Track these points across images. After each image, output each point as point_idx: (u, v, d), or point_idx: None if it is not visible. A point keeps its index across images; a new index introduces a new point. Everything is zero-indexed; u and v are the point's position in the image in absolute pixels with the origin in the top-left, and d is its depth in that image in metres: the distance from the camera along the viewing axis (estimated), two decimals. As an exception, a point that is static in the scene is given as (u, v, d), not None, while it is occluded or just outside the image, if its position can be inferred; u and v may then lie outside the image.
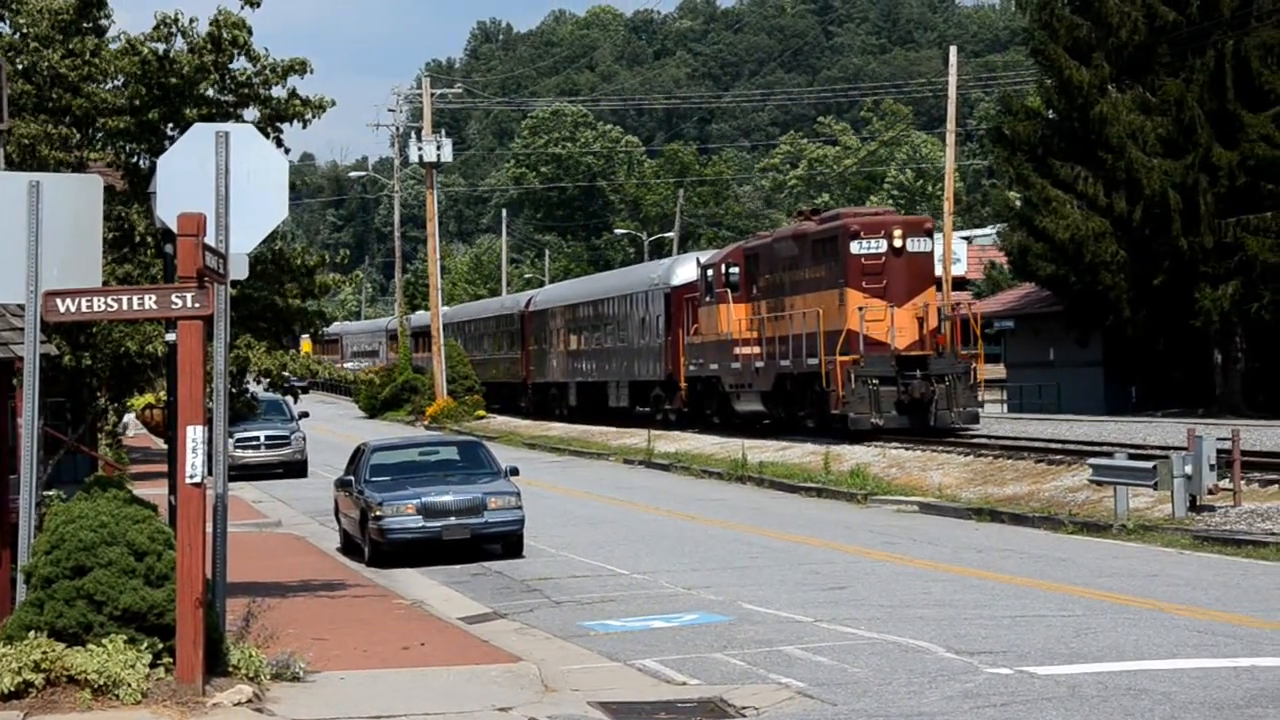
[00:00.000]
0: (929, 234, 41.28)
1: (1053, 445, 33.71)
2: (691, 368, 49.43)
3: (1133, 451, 28.41)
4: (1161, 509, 25.18)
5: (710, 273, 48.09)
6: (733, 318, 45.79)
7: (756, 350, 44.35)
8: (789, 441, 42.29)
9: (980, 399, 41.34)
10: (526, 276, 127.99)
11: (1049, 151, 48.31)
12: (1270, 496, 24.75)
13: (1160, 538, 23.52)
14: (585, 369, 62.04)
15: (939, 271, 46.26)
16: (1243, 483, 24.81)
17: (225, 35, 18.00)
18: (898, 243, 39.61)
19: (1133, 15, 45.75)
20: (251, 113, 18.51)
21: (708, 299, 48.06)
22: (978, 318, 41.55)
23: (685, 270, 52.42)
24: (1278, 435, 32.83)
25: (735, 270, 46.41)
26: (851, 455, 36.94)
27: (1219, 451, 24.69)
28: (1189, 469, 24.51)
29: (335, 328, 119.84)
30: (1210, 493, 24.59)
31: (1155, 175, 44.13)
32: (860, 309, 38.93)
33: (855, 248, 39.71)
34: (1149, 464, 25.24)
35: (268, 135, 17.67)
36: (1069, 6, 48.54)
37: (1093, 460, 27.59)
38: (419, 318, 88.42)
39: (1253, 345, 45.95)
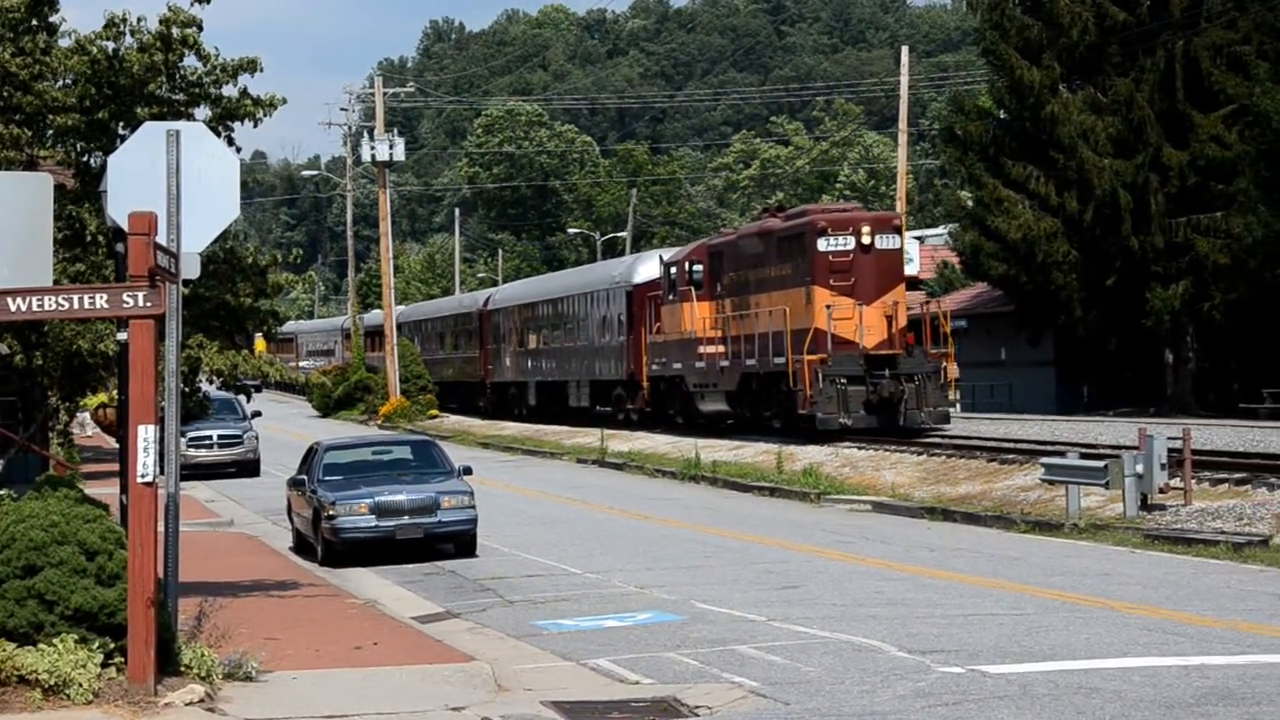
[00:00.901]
0: (898, 231, 40.57)
1: (1005, 445, 33.83)
2: (654, 367, 48.83)
3: (1084, 451, 28.56)
4: (1113, 508, 25.31)
5: (673, 270, 47.44)
6: (696, 316, 45.18)
7: (721, 349, 43.77)
8: (742, 441, 42.33)
9: (953, 398, 40.89)
10: (480, 276, 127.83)
11: (1001, 151, 48.51)
12: (1221, 495, 24.92)
13: (1112, 536, 23.65)
14: (545, 368, 61.44)
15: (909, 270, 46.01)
16: (1193, 482, 24.96)
17: (175, 34, 17.90)
18: (866, 240, 38.98)
19: (1083, 15, 45.99)
20: (203, 111, 18.42)
21: (671, 297, 47.45)
22: (947, 316, 40.80)
23: (647, 268, 51.80)
24: (1228, 434, 33.11)
25: (699, 268, 45.78)
26: (804, 455, 36.98)
27: (1170, 451, 24.85)
28: (1140, 468, 24.64)
29: (290, 326, 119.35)
30: (1161, 492, 24.74)
31: (1106, 175, 44.38)
32: (828, 307, 38.24)
33: (823, 245, 39.05)
34: (1100, 463, 25.38)
35: (219, 134, 17.59)
36: (1020, 7, 48.74)
37: (1045, 460, 27.72)
38: (373, 317, 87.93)
39: (1203, 345, 46.29)
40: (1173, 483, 24.85)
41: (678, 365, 46.75)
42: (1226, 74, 42.58)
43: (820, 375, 37.65)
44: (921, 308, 41.54)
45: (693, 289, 45.60)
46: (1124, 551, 22.38)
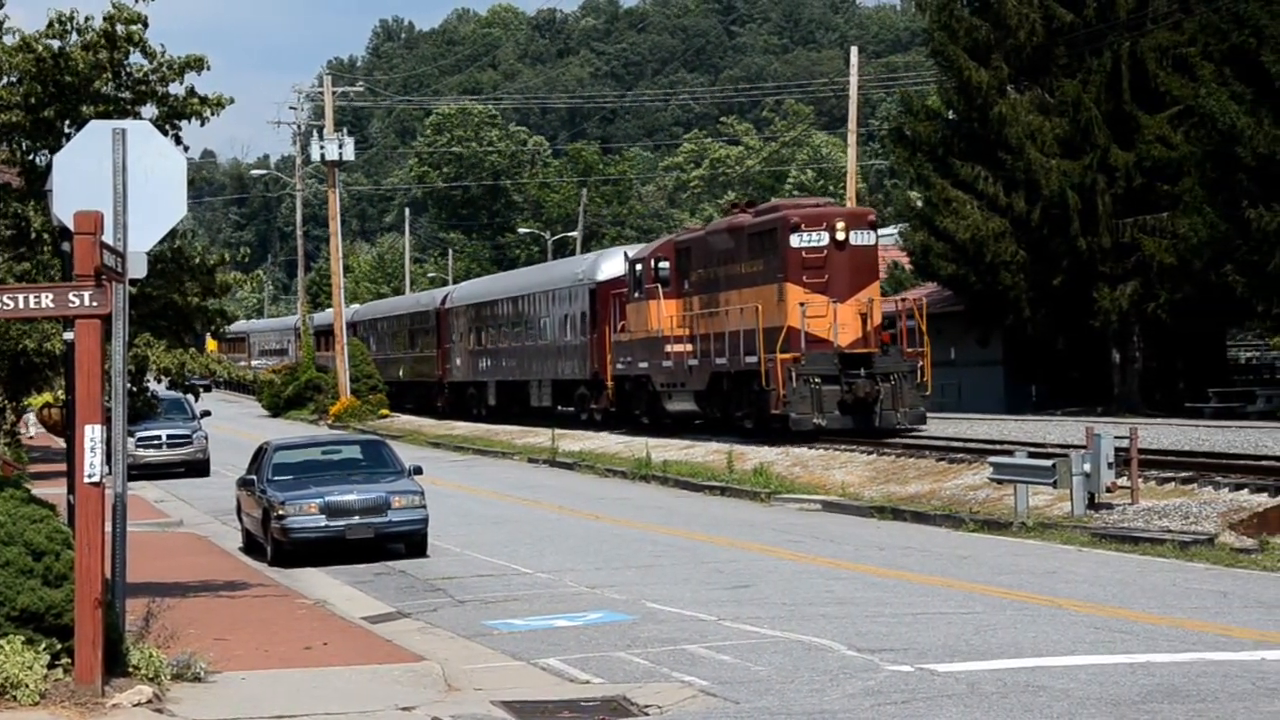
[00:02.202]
0: (873, 226, 39.41)
1: (954, 444, 33.96)
2: (619, 366, 47.93)
3: (1033, 450, 28.70)
4: (1061, 507, 25.46)
5: (639, 267, 46.40)
6: (663, 314, 44.25)
7: (689, 348, 42.90)
8: (694, 440, 42.37)
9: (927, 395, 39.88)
10: (430, 276, 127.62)
11: (949, 152, 48.69)
12: (1167, 494, 25.09)
13: (1059, 535, 23.79)
14: (505, 367, 60.56)
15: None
16: (1140, 481, 25.13)
17: (120, 31, 17.78)
18: (840, 235, 38.08)
19: (1031, 17, 46.21)
20: (149, 110, 18.31)
21: (637, 295, 46.42)
22: (924, 313, 39.27)
23: (611, 265, 50.90)
24: (1174, 433, 33.35)
25: (666, 265, 44.83)
26: (755, 454, 37.03)
27: (1117, 450, 24.98)
28: (1088, 467, 24.79)
29: (242, 326, 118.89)
30: (1108, 490, 24.89)
31: (1053, 176, 44.61)
32: (801, 305, 37.41)
33: (795, 240, 38.12)
34: (1048, 462, 25.50)
35: (166, 133, 17.48)
36: (969, 8, 48.93)
37: (993, 459, 27.83)
38: (324, 316, 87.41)
39: (1150, 345, 46.61)
40: (1120, 482, 24.99)
41: (644, 364, 45.93)
42: (1172, 75, 42.85)
43: (794, 375, 36.90)
44: (897, 305, 40.87)
45: (659, 286, 44.69)
46: (1071, 550, 22.51)
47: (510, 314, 60.10)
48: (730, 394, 41.25)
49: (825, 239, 38.08)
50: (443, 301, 69.88)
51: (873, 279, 39.17)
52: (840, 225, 38.28)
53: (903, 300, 40.84)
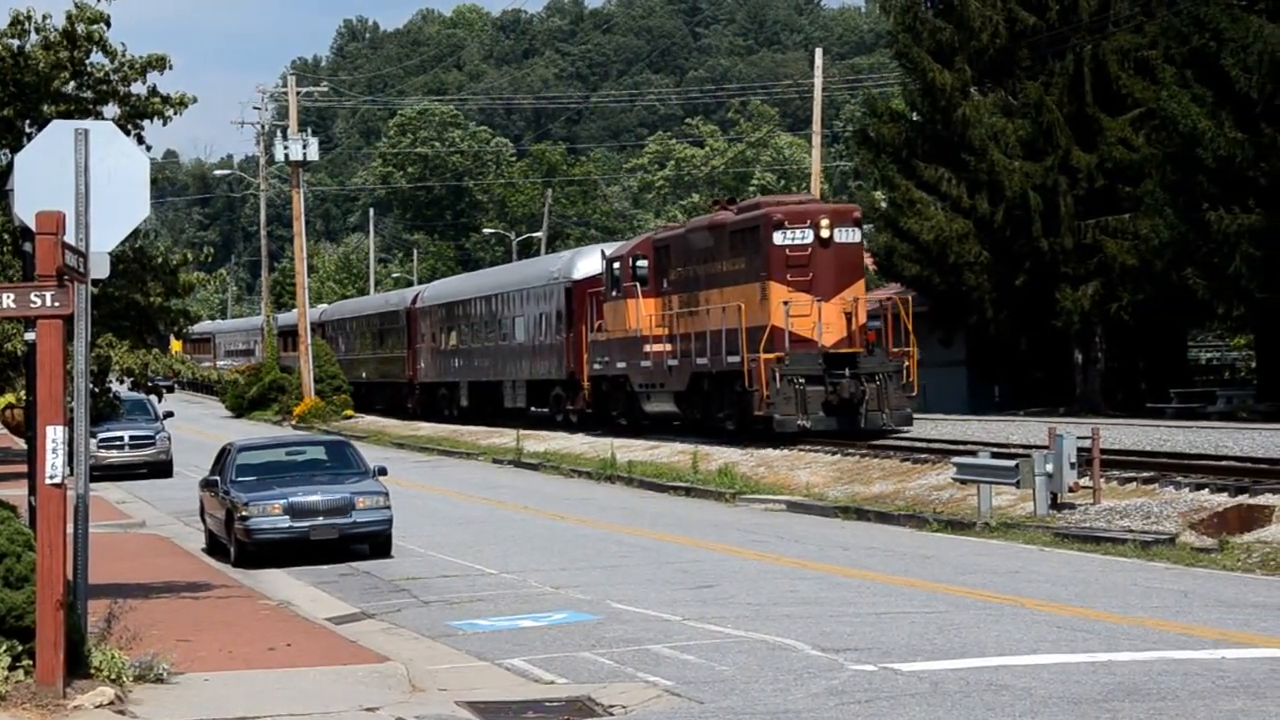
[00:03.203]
0: (857, 224, 38.52)
1: (918, 444, 34.07)
2: (596, 366, 46.91)
3: (996, 450, 28.83)
4: (1024, 507, 25.58)
5: (617, 266, 45.26)
6: (642, 313, 43.28)
7: (669, 348, 41.93)
8: (659, 441, 42.40)
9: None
10: (395, 276, 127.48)
11: (913, 153, 48.86)
12: (1129, 494, 25.23)
13: (1022, 535, 23.90)
14: (478, 368, 59.52)
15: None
16: (1102, 481, 25.28)
17: (81, 30, 17.72)
18: (825, 233, 37.21)
19: (994, 19, 46.42)
20: (111, 109, 18.25)
21: (614, 293, 45.29)
22: (909, 311, 38.34)
23: (588, 263, 49.93)
24: (1136, 433, 33.54)
25: (644, 263, 43.93)
26: (720, 455, 37.07)
27: (1079, 450, 25.10)
28: (1050, 467, 24.90)
29: (208, 326, 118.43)
30: (1071, 490, 25.02)
31: (1016, 177, 44.82)
32: (785, 303, 36.61)
33: (779, 238, 37.17)
34: (1011, 463, 25.62)
35: (128, 133, 17.41)
36: (932, 10, 49.14)
37: (957, 459, 27.96)
38: (289, 317, 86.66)
39: (1112, 345, 46.86)
40: (1082, 482, 25.13)
41: (621, 364, 44.98)
42: (1134, 78, 43.09)
43: (777, 375, 36.09)
44: (882, 303, 40.10)
45: (638, 285, 43.76)
46: (1034, 550, 22.62)
47: (483, 313, 59.23)
48: (711, 395, 40.53)
49: (809, 236, 37.32)
50: (414, 301, 68.96)
51: (857, 277, 38.35)
52: (824, 222, 37.48)
53: (887, 299, 39.80)
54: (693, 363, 40.49)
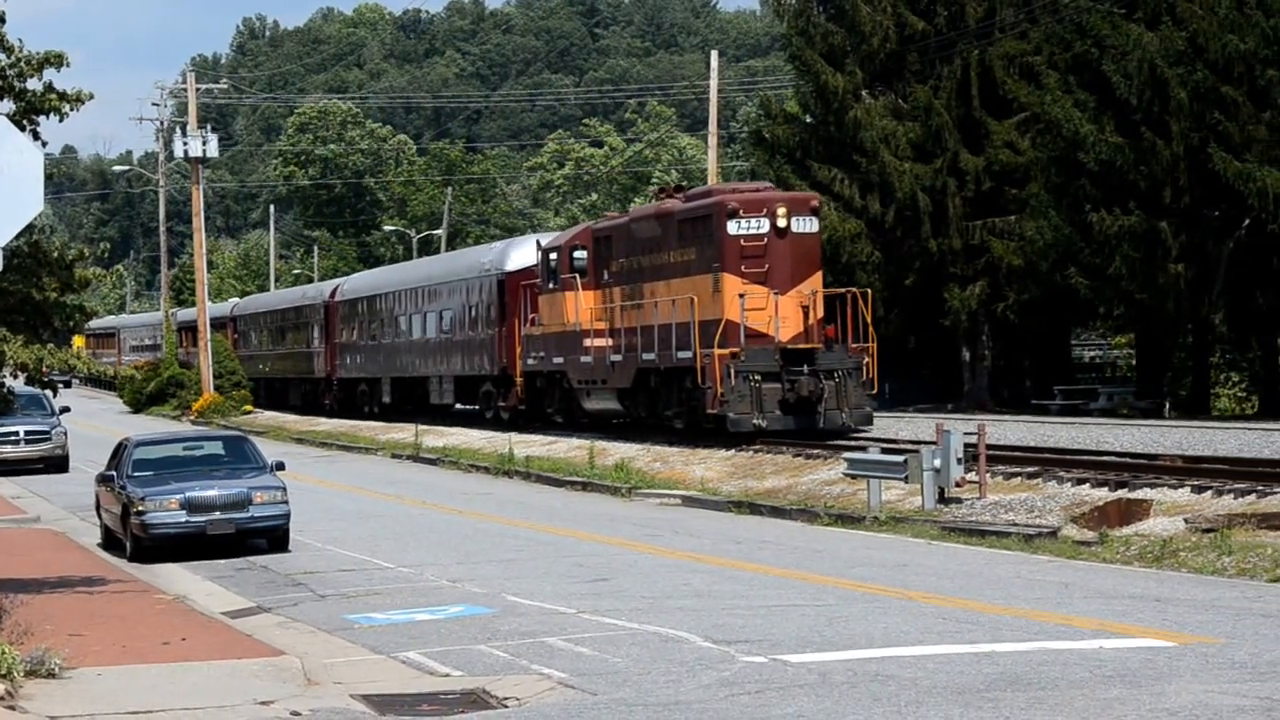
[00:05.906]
0: (815, 212, 36.45)
1: (810, 440, 34.33)
2: (530, 361, 44.51)
3: (885, 446, 29.24)
4: (912, 501, 25.94)
5: (553, 257, 42.79)
6: (581, 306, 40.93)
7: (611, 342, 39.88)
8: (557, 436, 42.46)
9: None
10: (295, 272, 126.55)
11: (807, 154, 49.31)
12: (1014, 489, 25.68)
13: (911, 529, 24.21)
14: (402, 363, 57.19)
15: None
16: (988, 475, 25.64)
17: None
18: (781, 222, 35.26)
19: (884, 24, 46.97)
20: (6, 105, 18.20)
21: (550, 286, 42.89)
22: (869, 305, 36.69)
23: (521, 254, 47.48)
24: (1021, 430, 34.12)
25: (583, 254, 41.48)
26: (616, 450, 37.24)
27: (966, 446, 25.47)
28: (938, 463, 25.24)
29: (113, 321, 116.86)
30: (958, 485, 25.37)
31: (906, 179, 45.38)
32: (740, 296, 34.71)
33: (733, 228, 35.23)
34: (900, 458, 25.96)
35: (22, 128, 17.37)
36: (825, 14, 49.65)
37: (847, 455, 28.30)
38: (191, 312, 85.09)
39: (998, 344, 47.63)
40: (969, 477, 25.48)
41: (559, 359, 42.60)
42: (1019, 83, 43.74)
43: (732, 371, 34.19)
44: (841, 296, 37.71)
45: (576, 277, 41.32)
46: (922, 543, 22.94)
47: (409, 306, 56.77)
48: (659, 392, 38.52)
49: (765, 226, 35.38)
50: (332, 294, 66.22)
51: (815, 269, 36.24)
52: (781, 211, 35.50)
53: (847, 291, 37.58)
54: (638, 358, 38.38)
